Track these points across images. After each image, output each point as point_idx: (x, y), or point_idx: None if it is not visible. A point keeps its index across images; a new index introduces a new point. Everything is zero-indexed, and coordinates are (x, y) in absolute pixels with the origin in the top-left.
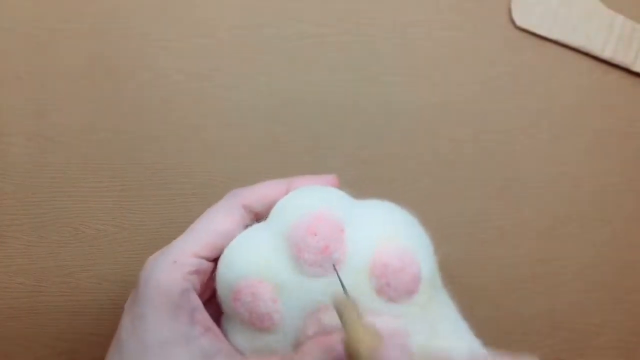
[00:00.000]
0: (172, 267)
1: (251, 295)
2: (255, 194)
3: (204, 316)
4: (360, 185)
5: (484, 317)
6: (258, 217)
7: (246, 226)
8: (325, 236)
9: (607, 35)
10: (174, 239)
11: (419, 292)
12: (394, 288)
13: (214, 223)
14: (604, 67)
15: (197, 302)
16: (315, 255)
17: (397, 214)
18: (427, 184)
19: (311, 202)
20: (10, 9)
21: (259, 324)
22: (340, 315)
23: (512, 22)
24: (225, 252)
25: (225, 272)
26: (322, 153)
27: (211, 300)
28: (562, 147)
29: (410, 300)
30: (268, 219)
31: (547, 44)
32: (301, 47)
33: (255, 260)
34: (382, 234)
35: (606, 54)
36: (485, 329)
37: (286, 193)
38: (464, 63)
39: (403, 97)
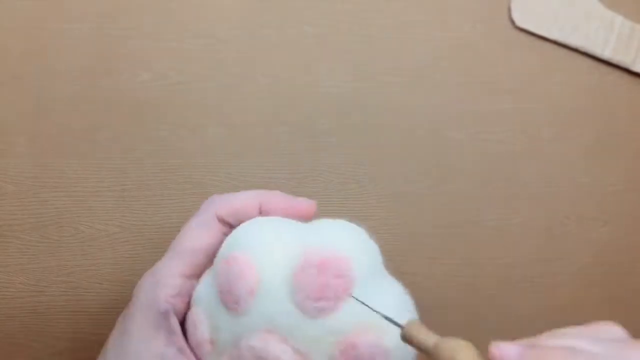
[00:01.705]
0: (156, 289)
1: (239, 271)
2: (229, 206)
3: (179, 339)
4: (360, 185)
5: (483, 317)
6: (231, 227)
7: (224, 234)
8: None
9: (606, 35)
10: (174, 239)
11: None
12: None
13: (195, 241)
14: (603, 67)
15: (175, 325)
16: (318, 294)
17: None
18: (427, 184)
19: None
20: (11, 9)
21: (228, 299)
22: (415, 338)
23: (512, 22)
24: (253, 221)
25: (239, 234)
26: (321, 152)
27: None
28: (562, 147)
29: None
30: (306, 226)
31: (547, 44)
32: (301, 47)
33: (269, 250)
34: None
35: (606, 54)
36: (485, 328)
37: (259, 209)
38: (464, 63)
39: (403, 97)
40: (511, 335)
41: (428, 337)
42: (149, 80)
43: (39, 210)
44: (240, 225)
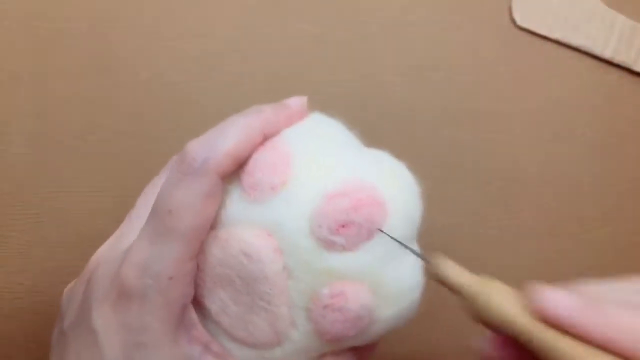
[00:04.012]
0: (169, 285)
1: (272, 161)
2: (231, 157)
3: (200, 332)
4: None
5: None
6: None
7: None
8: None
9: (607, 35)
10: (158, 211)
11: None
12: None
13: (200, 216)
14: (604, 67)
15: (194, 316)
16: (340, 229)
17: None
18: (426, 184)
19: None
20: (11, 9)
21: (247, 179)
22: (444, 276)
23: (513, 21)
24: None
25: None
26: None
27: None
28: (562, 147)
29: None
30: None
31: (548, 43)
32: (301, 47)
33: (311, 157)
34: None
35: (607, 54)
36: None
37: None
38: (464, 63)
39: (403, 97)
40: None
41: (460, 276)
42: (148, 80)
43: (39, 210)
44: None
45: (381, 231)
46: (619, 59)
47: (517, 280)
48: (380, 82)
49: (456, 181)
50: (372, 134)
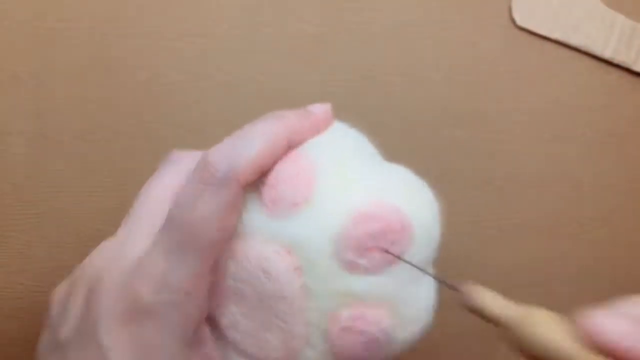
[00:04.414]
0: (187, 301)
1: (295, 174)
2: (253, 165)
3: (211, 349)
4: None
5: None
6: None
7: None
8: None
9: (607, 35)
10: (177, 227)
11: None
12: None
13: (222, 230)
14: (604, 67)
15: (207, 333)
16: (364, 251)
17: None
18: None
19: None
20: (11, 9)
21: (267, 193)
22: (479, 306)
23: (513, 21)
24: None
25: None
26: None
27: None
28: (562, 147)
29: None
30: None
31: (548, 43)
32: (301, 47)
33: (335, 172)
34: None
35: (607, 54)
36: (486, 328)
37: (287, 146)
38: (464, 63)
39: (403, 97)
40: None
41: (498, 305)
42: (149, 79)
43: (39, 210)
44: None
45: (403, 260)
46: (619, 59)
47: (517, 280)
48: (380, 82)
49: (456, 181)
50: (372, 134)
